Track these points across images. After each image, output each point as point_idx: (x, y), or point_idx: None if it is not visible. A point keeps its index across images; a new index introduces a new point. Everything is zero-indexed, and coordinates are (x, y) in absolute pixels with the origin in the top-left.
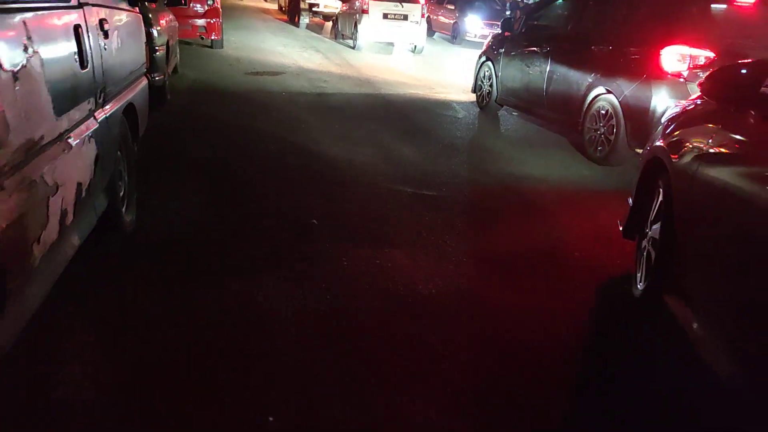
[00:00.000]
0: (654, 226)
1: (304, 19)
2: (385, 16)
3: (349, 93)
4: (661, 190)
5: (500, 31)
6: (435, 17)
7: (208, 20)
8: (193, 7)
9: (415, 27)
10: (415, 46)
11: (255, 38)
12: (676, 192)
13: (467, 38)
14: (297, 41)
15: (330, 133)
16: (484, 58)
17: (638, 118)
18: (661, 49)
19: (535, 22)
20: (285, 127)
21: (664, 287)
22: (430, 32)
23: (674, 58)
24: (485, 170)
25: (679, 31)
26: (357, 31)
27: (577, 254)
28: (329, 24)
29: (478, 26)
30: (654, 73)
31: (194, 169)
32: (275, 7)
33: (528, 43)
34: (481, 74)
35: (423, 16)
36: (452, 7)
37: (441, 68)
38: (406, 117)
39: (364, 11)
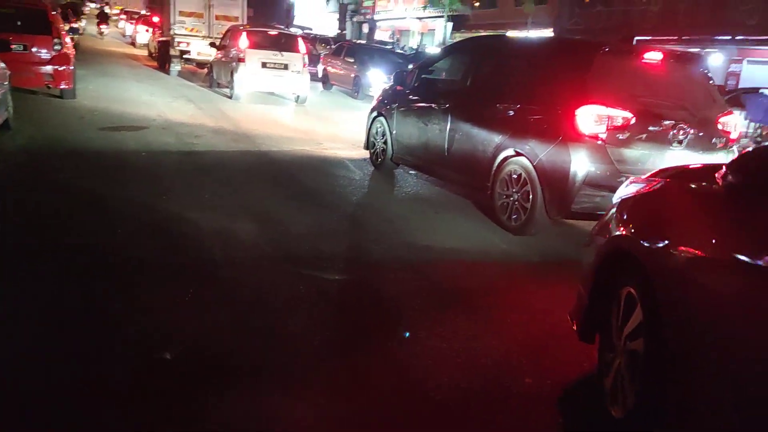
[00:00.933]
0: (631, 341)
1: (176, 67)
2: (264, 65)
3: (226, 150)
4: (635, 293)
5: (391, 85)
6: (333, 70)
7: (56, 67)
8: (37, 52)
9: (297, 77)
10: (298, 96)
11: (117, 86)
12: (666, 297)
13: (370, 93)
14: (166, 90)
15: (200, 203)
16: (375, 113)
17: (557, 184)
18: (576, 108)
19: (430, 76)
20: (142, 199)
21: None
22: (328, 85)
23: (591, 118)
24: (390, 246)
25: (592, 89)
26: (234, 80)
27: (530, 380)
28: (204, 71)
29: (380, 80)
30: (570, 135)
31: (6, 267)
32: (145, 53)
33: (423, 98)
34: (374, 130)
35: (305, 66)
36: (351, 60)
37: (330, 121)
38: (293, 178)
39: (241, 60)
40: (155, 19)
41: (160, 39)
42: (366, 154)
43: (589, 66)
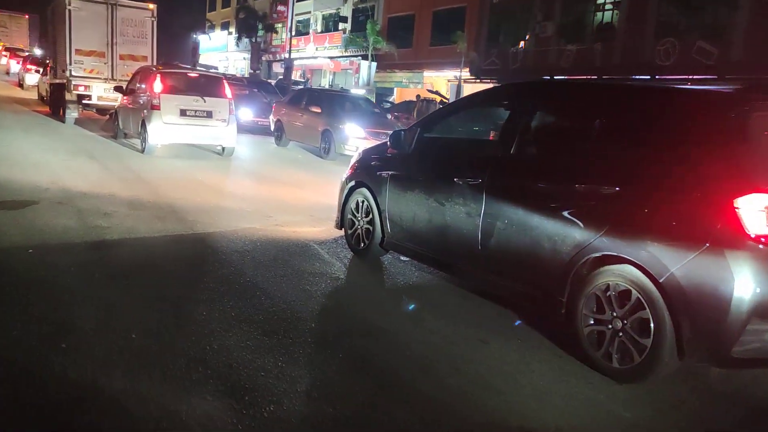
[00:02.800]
0: None
1: (72, 113)
2: (183, 112)
3: (149, 236)
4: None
5: (377, 146)
6: (291, 122)
7: None
8: None
9: (222, 126)
10: (224, 149)
11: None
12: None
13: (345, 152)
14: (62, 143)
15: (123, 358)
16: (353, 183)
17: (706, 315)
18: (735, 197)
19: (442, 136)
20: (24, 357)
21: None
22: (284, 140)
23: (761, 212)
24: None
25: (755, 166)
26: (146, 131)
27: None
28: (106, 118)
29: (358, 135)
30: (727, 238)
31: None
32: (34, 95)
33: (435, 166)
34: (352, 204)
35: (231, 112)
36: (317, 110)
37: (281, 185)
38: (251, 286)
39: (155, 107)
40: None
41: (54, 81)
42: (335, 233)
43: (742, 128)
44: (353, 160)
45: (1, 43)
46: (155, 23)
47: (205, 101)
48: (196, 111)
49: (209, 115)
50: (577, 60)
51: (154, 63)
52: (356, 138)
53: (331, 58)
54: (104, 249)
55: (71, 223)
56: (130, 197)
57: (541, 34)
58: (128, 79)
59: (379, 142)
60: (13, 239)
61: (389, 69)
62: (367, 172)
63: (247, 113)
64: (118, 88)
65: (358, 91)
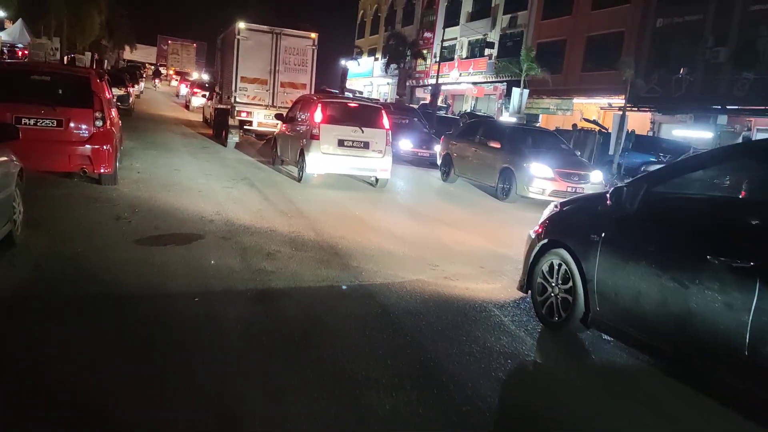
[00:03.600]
0: None
1: (234, 138)
2: (342, 143)
3: (313, 286)
4: None
5: (585, 199)
6: (462, 156)
7: (96, 147)
8: (73, 129)
9: (378, 158)
10: (377, 180)
11: (168, 163)
12: None
13: (530, 194)
14: (224, 168)
15: None
16: (546, 241)
17: None
18: None
19: (689, 195)
20: None
21: None
22: (452, 177)
23: None
24: None
25: None
26: (305, 160)
27: None
28: (261, 143)
29: (546, 176)
30: None
31: None
32: (200, 117)
33: (676, 235)
34: (544, 267)
35: (388, 143)
36: (497, 145)
37: (436, 222)
38: (434, 363)
39: (315, 137)
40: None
41: (219, 107)
42: (515, 294)
43: None
44: (547, 213)
45: (173, 68)
46: (315, 52)
47: (363, 132)
48: (353, 141)
49: (366, 146)
50: (754, 88)
51: (313, 90)
52: (543, 179)
53: (474, 83)
54: (269, 300)
55: (236, 264)
56: (291, 234)
57: (712, 60)
58: (287, 106)
59: (580, 192)
60: (180, 283)
61: (536, 95)
62: (567, 230)
63: (406, 144)
64: (278, 116)
65: (509, 119)
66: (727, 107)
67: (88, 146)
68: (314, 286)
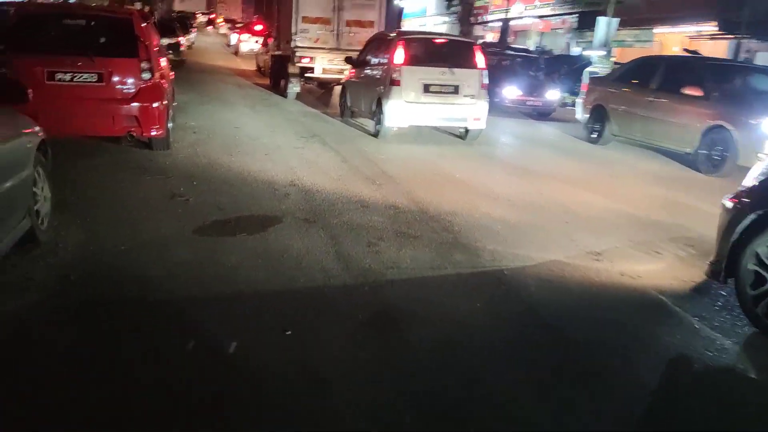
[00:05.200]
0: None
1: (294, 88)
2: (427, 88)
3: (435, 281)
4: None
5: None
6: (626, 110)
7: (144, 105)
8: (116, 84)
9: (470, 104)
10: (467, 131)
11: (226, 120)
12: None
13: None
14: (289, 123)
15: None
16: (756, 216)
17: None
18: None
19: None
20: None
21: None
22: (605, 136)
23: None
24: None
25: None
26: (382, 111)
27: None
28: (321, 91)
29: None
30: None
31: None
32: (252, 66)
33: None
34: (760, 249)
35: (483, 86)
36: (697, 93)
37: (580, 188)
38: (634, 400)
39: (395, 82)
40: (258, 27)
41: (275, 53)
42: (695, 276)
43: None
44: (754, 175)
45: (222, 16)
46: None
47: (453, 73)
48: (441, 86)
49: (456, 90)
50: None
51: (383, 29)
52: None
53: (540, 17)
54: (390, 327)
55: (331, 264)
56: (386, 209)
57: None
58: (354, 48)
59: None
60: (260, 302)
61: (641, 25)
62: None
63: (512, 91)
64: (348, 59)
65: (593, 53)
66: None
67: (134, 104)
68: (435, 277)
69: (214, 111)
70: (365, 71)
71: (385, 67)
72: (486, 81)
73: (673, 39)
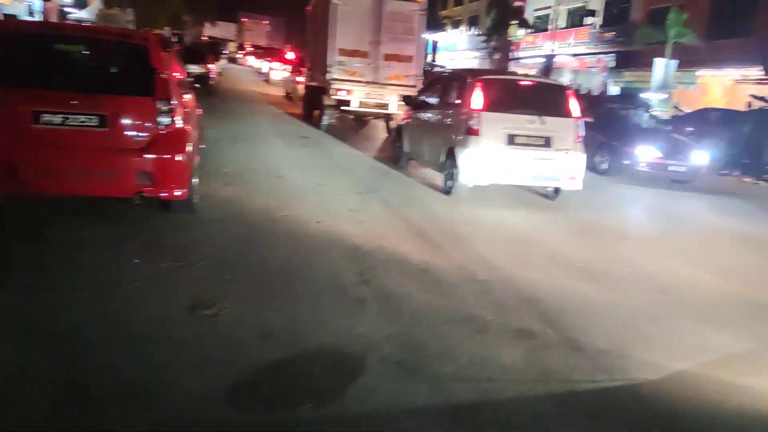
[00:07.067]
0: None
1: (329, 120)
2: (512, 139)
3: None
4: None
5: None
6: None
7: (160, 157)
8: (126, 129)
9: (565, 159)
10: (556, 191)
11: (265, 165)
12: None
13: None
14: (337, 171)
15: None
16: None
17: None
18: None
19: None
20: None
21: None
22: None
23: None
24: None
25: None
26: (456, 165)
27: None
28: (354, 123)
29: None
30: None
31: None
32: (280, 92)
33: None
34: None
35: (578, 138)
36: None
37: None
38: None
39: (473, 131)
40: (289, 55)
41: (311, 84)
42: None
43: None
44: None
45: (248, 43)
46: (423, 19)
47: (543, 122)
48: (530, 136)
49: (547, 142)
50: None
51: (422, 64)
52: None
53: (575, 55)
54: None
55: None
56: (512, 331)
57: None
58: (392, 82)
59: None
60: None
61: (643, 68)
62: None
63: (648, 152)
64: (407, 99)
65: (654, 96)
66: None
67: (148, 156)
68: None
69: (250, 151)
70: (429, 114)
71: (460, 112)
72: (582, 132)
73: (715, 80)
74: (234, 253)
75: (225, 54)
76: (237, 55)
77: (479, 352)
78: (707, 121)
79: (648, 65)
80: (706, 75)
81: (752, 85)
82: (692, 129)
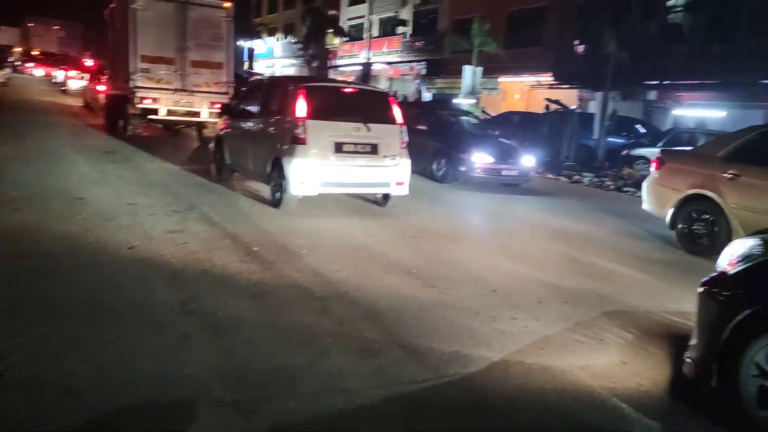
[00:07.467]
0: None
1: (136, 130)
2: (339, 147)
3: None
4: None
5: None
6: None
7: None
8: None
9: (391, 166)
10: (385, 197)
11: (62, 184)
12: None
13: None
14: (151, 188)
15: None
16: (750, 311)
17: None
18: None
19: None
20: None
21: None
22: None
23: None
24: None
25: None
26: (284, 176)
27: None
28: (161, 131)
29: None
30: None
31: None
32: (79, 102)
33: None
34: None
35: (403, 145)
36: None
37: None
38: None
39: (299, 139)
40: (89, 62)
41: (112, 93)
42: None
43: None
44: (730, 256)
45: (37, 50)
46: (231, 25)
47: (369, 129)
48: (357, 144)
49: (374, 149)
50: (686, 64)
51: (232, 71)
52: None
53: (389, 63)
54: None
55: None
56: (362, 361)
57: (641, 35)
58: (202, 90)
59: None
60: None
61: (453, 75)
62: None
63: (482, 157)
64: (225, 107)
65: (464, 101)
66: (663, 83)
67: None
68: None
69: (45, 171)
70: (251, 123)
71: (284, 120)
72: (406, 138)
73: (513, 86)
74: (25, 294)
75: (9, 62)
76: (25, 64)
77: (323, 379)
78: (511, 124)
79: (456, 72)
80: (506, 81)
81: (545, 89)
82: (498, 132)
